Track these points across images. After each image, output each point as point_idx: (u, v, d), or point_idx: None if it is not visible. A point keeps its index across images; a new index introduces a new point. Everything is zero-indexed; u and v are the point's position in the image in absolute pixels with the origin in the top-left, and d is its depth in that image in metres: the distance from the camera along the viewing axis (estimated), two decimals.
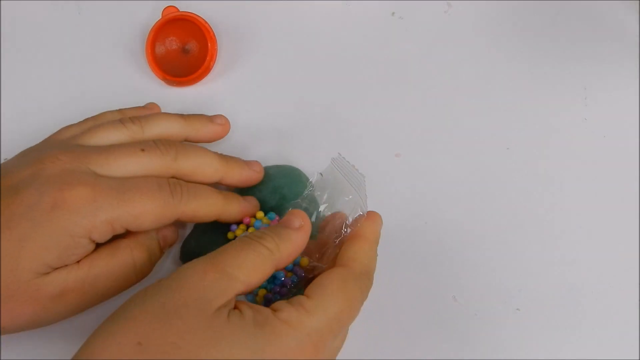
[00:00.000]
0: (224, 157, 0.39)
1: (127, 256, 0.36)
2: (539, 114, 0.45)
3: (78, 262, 0.35)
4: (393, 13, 0.47)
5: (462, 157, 0.44)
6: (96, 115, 0.41)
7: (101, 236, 0.34)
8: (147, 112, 0.41)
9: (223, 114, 0.42)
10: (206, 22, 0.44)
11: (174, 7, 0.44)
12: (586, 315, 0.41)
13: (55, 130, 0.45)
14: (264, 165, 0.43)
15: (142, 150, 0.36)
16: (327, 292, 0.31)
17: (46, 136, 0.44)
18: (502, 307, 0.41)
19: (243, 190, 0.42)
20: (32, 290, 0.33)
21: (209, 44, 0.45)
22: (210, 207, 0.37)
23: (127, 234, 0.37)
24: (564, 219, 0.43)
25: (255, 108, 0.45)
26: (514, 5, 0.47)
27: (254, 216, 0.39)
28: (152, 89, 0.45)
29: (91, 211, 0.33)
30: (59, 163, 0.34)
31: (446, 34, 0.46)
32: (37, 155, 0.35)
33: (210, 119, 0.41)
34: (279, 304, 0.31)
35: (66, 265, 0.34)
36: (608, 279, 0.42)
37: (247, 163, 0.40)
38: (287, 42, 0.46)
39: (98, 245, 0.36)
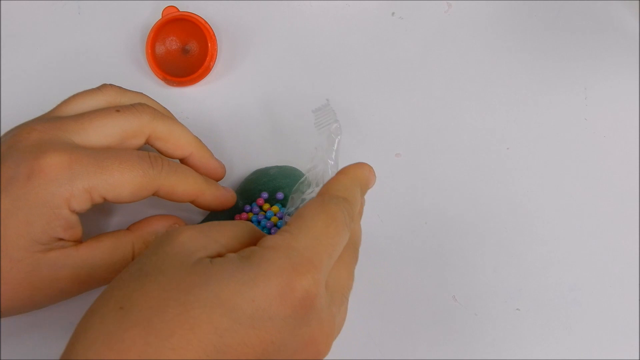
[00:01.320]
0: (197, 138, 0.40)
1: (128, 250, 0.36)
2: (539, 114, 0.45)
3: (77, 247, 0.34)
4: (393, 13, 0.47)
5: (462, 157, 0.44)
6: None
7: (80, 205, 0.34)
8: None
9: None
10: (206, 22, 0.44)
11: (174, 7, 0.44)
12: (586, 315, 0.41)
13: None
14: (264, 165, 0.43)
15: (117, 111, 0.36)
16: (307, 215, 0.30)
17: None
18: (502, 307, 0.41)
19: (244, 188, 0.42)
20: (27, 271, 0.33)
21: (209, 44, 0.45)
22: (190, 185, 0.37)
23: (132, 227, 0.37)
24: (564, 219, 0.43)
25: (255, 108, 0.45)
26: (514, 5, 0.47)
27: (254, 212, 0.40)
28: (152, 89, 0.45)
29: (68, 179, 0.33)
30: (35, 133, 0.34)
31: (446, 34, 0.46)
32: (15, 130, 0.35)
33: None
34: (263, 238, 0.30)
35: (64, 249, 0.34)
36: (608, 279, 0.42)
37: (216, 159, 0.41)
38: (287, 42, 0.46)
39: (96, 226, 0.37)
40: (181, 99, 0.45)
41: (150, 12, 0.46)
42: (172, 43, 0.45)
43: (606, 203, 0.43)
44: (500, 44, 0.46)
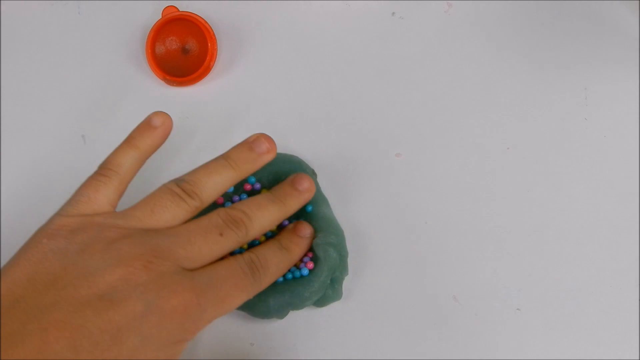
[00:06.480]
0: (279, 199, 0.38)
1: None
2: (539, 114, 0.45)
3: None
4: (393, 13, 0.47)
5: (462, 157, 0.44)
6: (110, 165, 0.37)
7: (196, 335, 0.34)
8: (159, 134, 0.38)
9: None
10: (206, 22, 0.44)
11: (174, 7, 0.44)
12: (586, 315, 0.41)
13: (55, 130, 0.45)
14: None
15: (221, 234, 0.35)
16: None
17: (46, 135, 0.45)
18: (502, 307, 0.41)
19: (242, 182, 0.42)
20: None
21: (209, 44, 0.45)
22: (282, 270, 0.38)
23: None
24: (564, 219, 0.43)
25: (255, 108, 0.45)
26: (514, 5, 0.47)
27: None
28: (152, 89, 0.45)
29: (197, 315, 0.33)
30: (151, 266, 0.32)
31: (446, 34, 0.46)
32: (113, 254, 0.33)
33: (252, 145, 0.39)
34: None
35: None
36: (608, 279, 0.42)
37: (295, 188, 0.39)
38: (287, 42, 0.46)
39: None
40: (181, 99, 0.45)
41: (150, 12, 0.46)
42: (172, 43, 0.45)
43: (606, 203, 0.43)
44: (500, 44, 0.46)
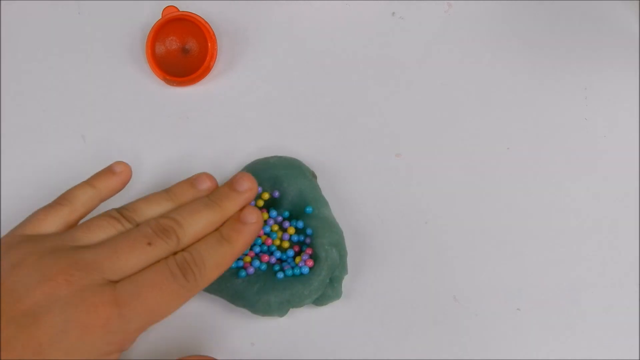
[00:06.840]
0: (215, 203, 0.37)
1: None
2: (539, 114, 0.45)
3: None
4: (393, 13, 0.47)
5: (462, 157, 0.44)
6: (66, 196, 0.38)
7: (131, 344, 0.34)
8: (117, 180, 0.39)
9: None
10: (206, 22, 0.44)
11: (174, 7, 0.44)
12: (586, 315, 0.41)
13: (55, 130, 0.45)
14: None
15: (149, 244, 0.35)
16: None
17: (46, 135, 0.45)
18: (502, 307, 0.41)
19: None
20: None
21: (209, 44, 0.45)
22: (224, 264, 0.36)
23: None
24: (564, 219, 0.43)
25: (255, 108, 0.45)
26: (514, 5, 0.47)
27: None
28: (152, 89, 0.45)
29: (121, 327, 0.33)
30: (72, 280, 0.32)
31: (446, 34, 0.46)
32: (40, 269, 0.33)
33: (192, 182, 0.39)
34: None
35: None
36: (608, 279, 0.42)
37: (233, 189, 0.38)
38: (287, 42, 0.46)
39: None
40: (181, 99, 0.45)
41: (150, 12, 0.46)
42: (172, 43, 0.45)
43: (606, 203, 0.43)
44: (500, 44, 0.46)
